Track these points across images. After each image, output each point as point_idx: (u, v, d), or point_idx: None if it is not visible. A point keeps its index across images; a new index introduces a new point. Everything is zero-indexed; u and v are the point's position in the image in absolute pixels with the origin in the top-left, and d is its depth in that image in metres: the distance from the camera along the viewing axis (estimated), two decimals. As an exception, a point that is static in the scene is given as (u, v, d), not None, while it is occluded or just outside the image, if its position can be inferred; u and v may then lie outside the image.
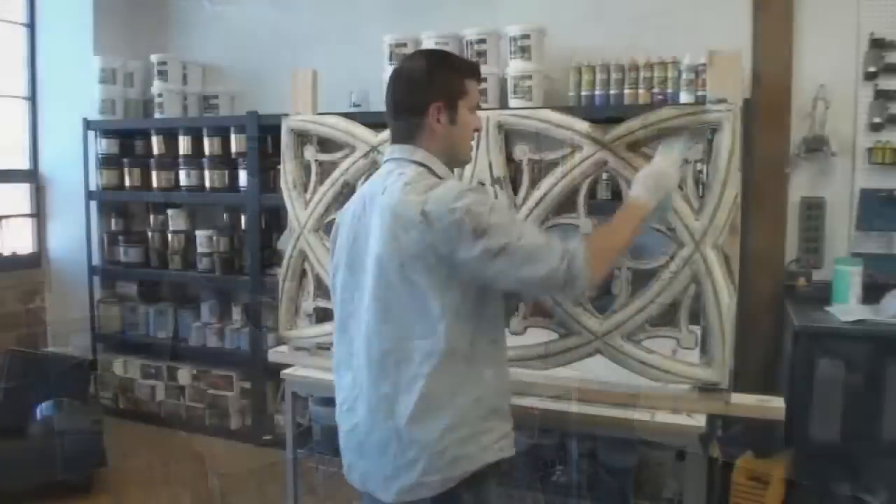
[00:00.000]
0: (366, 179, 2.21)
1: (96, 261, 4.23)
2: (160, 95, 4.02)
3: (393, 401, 1.53)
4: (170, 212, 4.09)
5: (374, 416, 1.57)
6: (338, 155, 2.25)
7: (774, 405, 1.87)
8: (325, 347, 2.28)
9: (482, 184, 1.99)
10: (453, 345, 1.49)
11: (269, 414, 3.90)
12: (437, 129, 1.58)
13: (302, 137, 2.33)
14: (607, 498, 2.04)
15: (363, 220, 1.60)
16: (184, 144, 4.00)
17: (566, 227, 1.96)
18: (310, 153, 2.30)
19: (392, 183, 1.55)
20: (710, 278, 1.80)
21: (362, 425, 1.61)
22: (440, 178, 1.57)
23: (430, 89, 1.58)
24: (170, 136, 4.04)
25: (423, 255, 1.47)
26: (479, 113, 1.70)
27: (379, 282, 1.53)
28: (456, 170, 1.74)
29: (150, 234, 4.15)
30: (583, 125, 1.91)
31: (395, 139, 1.66)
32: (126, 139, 4.22)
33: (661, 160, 1.78)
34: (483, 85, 1.83)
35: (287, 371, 2.31)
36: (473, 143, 1.93)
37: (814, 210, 3.10)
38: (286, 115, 2.34)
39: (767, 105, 3.08)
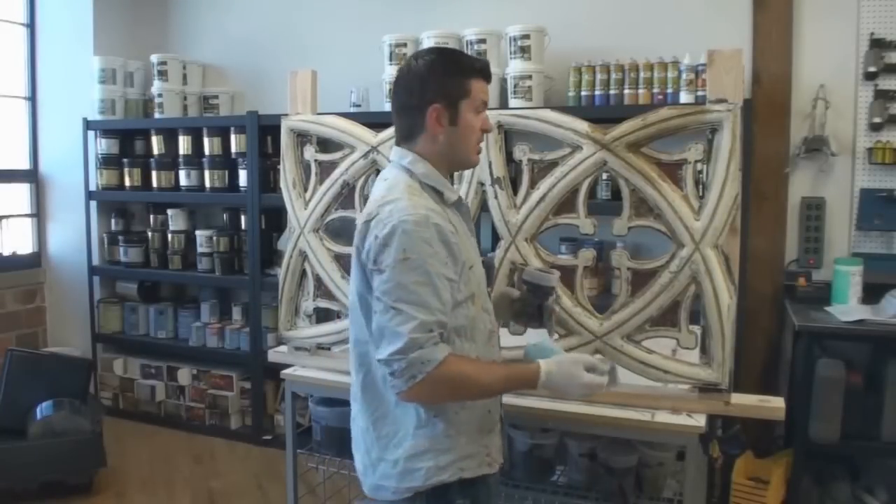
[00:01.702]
0: (366, 179, 2.23)
1: (96, 261, 4.23)
2: (160, 95, 4.02)
3: (359, 400, 1.59)
4: (170, 212, 4.09)
5: (355, 413, 1.63)
6: (337, 155, 2.25)
7: (774, 405, 1.87)
8: (325, 347, 2.29)
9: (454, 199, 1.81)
10: None
11: (269, 414, 3.91)
12: (437, 131, 1.54)
13: (301, 137, 2.33)
14: (607, 498, 2.04)
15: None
16: (184, 144, 4.00)
17: (565, 225, 1.96)
18: (309, 153, 2.30)
19: (375, 190, 1.58)
20: (709, 278, 1.80)
21: (356, 420, 1.65)
22: (423, 184, 1.54)
23: (430, 89, 1.53)
24: (170, 136, 4.05)
25: (363, 265, 1.49)
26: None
27: (352, 282, 1.57)
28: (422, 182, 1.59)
29: (150, 234, 4.16)
30: (583, 125, 1.91)
31: (396, 140, 1.62)
32: (126, 139, 4.22)
33: (585, 377, 1.55)
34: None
35: (287, 371, 2.31)
36: (483, 144, 1.92)
37: (814, 210, 3.10)
38: (286, 115, 2.34)
39: (767, 105, 3.08)
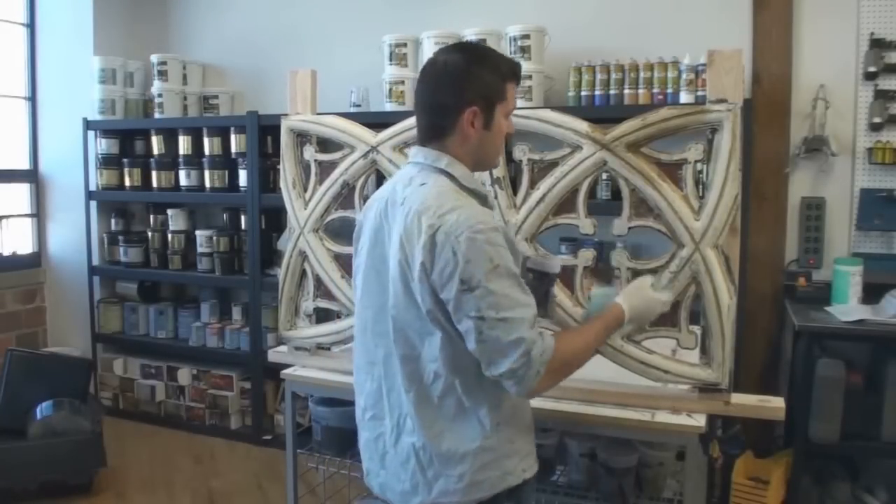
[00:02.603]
0: (365, 179, 2.23)
1: (96, 261, 4.23)
2: (160, 95, 4.02)
3: (412, 417, 1.50)
4: (170, 212, 4.09)
5: (398, 429, 1.54)
6: (337, 155, 2.25)
7: (774, 405, 1.87)
8: (324, 347, 2.29)
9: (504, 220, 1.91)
10: (460, 369, 1.45)
11: (269, 414, 3.91)
12: (470, 133, 1.48)
13: (301, 137, 2.32)
14: (607, 498, 2.04)
15: (384, 224, 1.52)
16: (184, 144, 4.00)
17: (566, 227, 1.97)
18: (309, 153, 2.30)
19: (411, 195, 1.46)
20: (709, 278, 1.80)
21: (388, 436, 1.56)
22: (463, 187, 1.48)
23: (467, 90, 1.46)
24: (170, 136, 4.05)
25: (425, 279, 1.41)
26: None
27: (393, 296, 1.48)
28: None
29: (150, 234, 4.16)
30: (583, 125, 1.91)
31: (422, 139, 1.54)
32: (126, 139, 4.22)
33: (655, 293, 1.77)
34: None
35: (287, 371, 2.30)
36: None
37: (814, 210, 3.10)
38: (285, 115, 2.34)
39: (767, 105, 3.08)
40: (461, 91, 1.47)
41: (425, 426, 1.49)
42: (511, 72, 1.53)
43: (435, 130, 1.51)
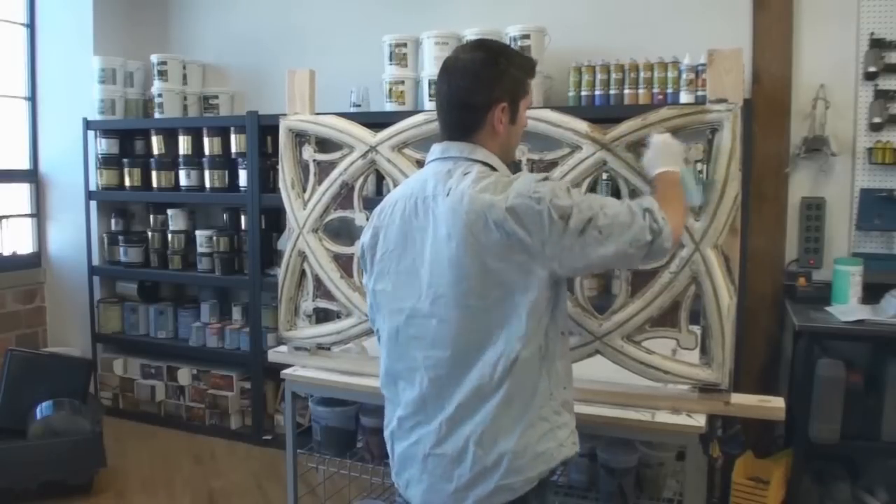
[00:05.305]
0: (364, 179, 2.22)
1: (96, 261, 4.23)
2: (160, 95, 4.02)
3: (472, 408, 1.48)
4: (170, 212, 4.09)
5: (449, 429, 1.51)
6: (336, 155, 2.25)
7: (774, 405, 1.87)
8: (324, 347, 2.29)
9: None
10: (533, 340, 1.46)
11: (269, 414, 3.91)
12: (499, 128, 1.53)
13: (300, 137, 2.32)
14: (607, 498, 2.04)
15: (417, 222, 1.53)
16: (184, 144, 4.00)
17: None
18: (308, 153, 2.30)
19: (457, 183, 1.48)
20: (709, 278, 1.80)
21: (431, 438, 1.53)
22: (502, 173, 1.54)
23: (497, 88, 1.52)
24: (170, 136, 4.05)
25: (510, 252, 1.43)
26: None
27: (458, 288, 1.46)
28: None
29: (150, 234, 4.16)
30: (582, 125, 1.91)
31: (449, 135, 1.57)
32: (126, 139, 4.22)
33: (655, 138, 1.79)
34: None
35: (287, 371, 2.31)
36: None
37: (814, 210, 3.10)
38: (284, 115, 2.33)
39: (767, 105, 3.08)
40: (492, 88, 1.52)
41: (484, 412, 1.47)
42: (531, 68, 1.62)
43: (464, 126, 1.55)
